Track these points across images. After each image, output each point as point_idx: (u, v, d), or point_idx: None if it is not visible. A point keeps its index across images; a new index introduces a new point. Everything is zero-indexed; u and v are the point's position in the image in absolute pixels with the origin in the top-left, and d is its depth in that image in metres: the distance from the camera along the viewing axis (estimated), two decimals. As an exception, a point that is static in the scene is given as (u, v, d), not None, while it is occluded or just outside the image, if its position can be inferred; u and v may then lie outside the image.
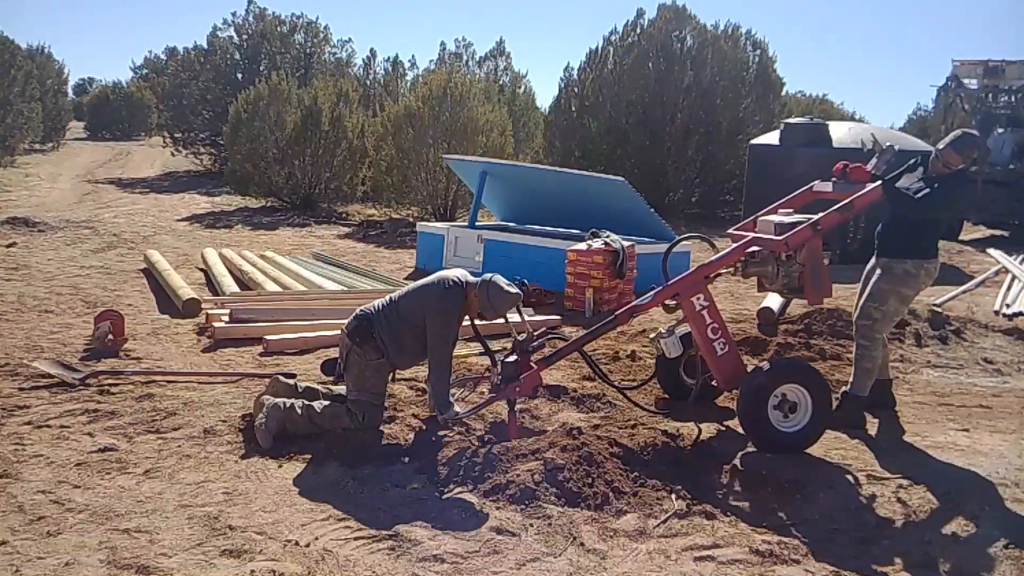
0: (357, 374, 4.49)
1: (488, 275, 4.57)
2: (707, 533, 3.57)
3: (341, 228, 13.97)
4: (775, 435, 4.40)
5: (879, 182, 4.78)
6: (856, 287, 5.17)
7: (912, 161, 5.07)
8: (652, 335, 4.90)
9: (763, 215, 4.94)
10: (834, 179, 5.03)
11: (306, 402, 4.46)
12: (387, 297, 4.65)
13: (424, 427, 4.56)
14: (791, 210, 4.99)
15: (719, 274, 4.89)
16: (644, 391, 5.29)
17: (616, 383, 5.24)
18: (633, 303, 4.75)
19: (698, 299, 4.62)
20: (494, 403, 4.59)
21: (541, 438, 4.20)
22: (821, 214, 4.63)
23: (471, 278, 4.57)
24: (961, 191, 4.89)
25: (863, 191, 4.73)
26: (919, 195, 4.78)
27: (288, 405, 4.41)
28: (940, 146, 4.87)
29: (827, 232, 4.63)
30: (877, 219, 5.07)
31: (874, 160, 5.00)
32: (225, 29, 23.54)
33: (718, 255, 4.82)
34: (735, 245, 4.80)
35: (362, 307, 4.65)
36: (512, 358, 4.46)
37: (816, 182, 5.19)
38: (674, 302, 4.69)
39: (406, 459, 4.17)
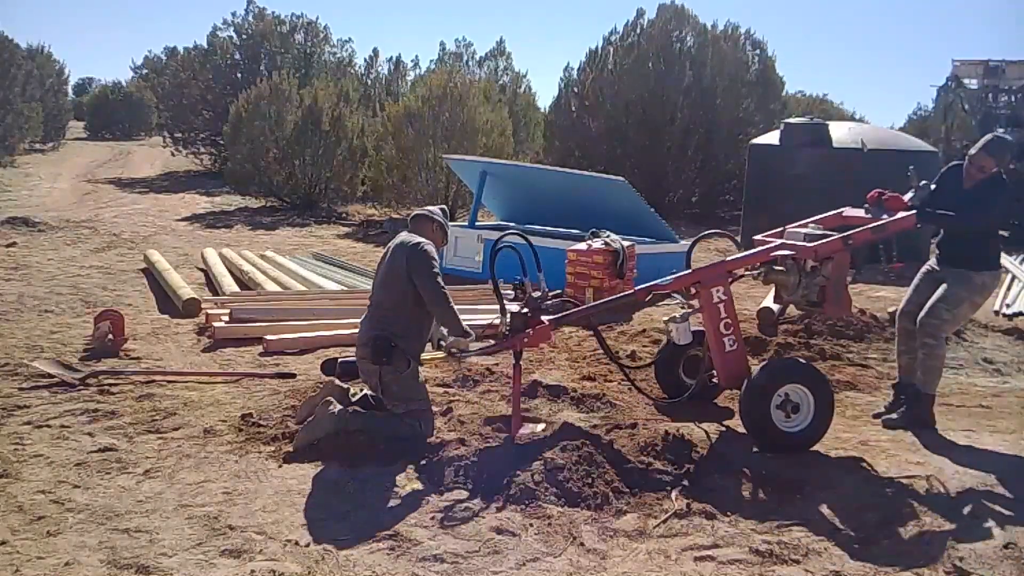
0: (399, 390, 4.45)
1: (416, 211, 4.78)
2: (707, 533, 3.57)
3: (341, 228, 13.97)
4: (777, 435, 4.40)
5: (914, 211, 4.80)
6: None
7: (924, 183, 5.00)
8: (666, 318, 4.89)
9: (792, 227, 4.93)
10: (866, 206, 5.00)
11: (359, 410, 4.41)
12: (367, 311, 4.62)
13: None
14: (821, 227, 4.97)
15: (740, 276, 4.93)
16: (645, 385, 5.30)
17: (621, 362, 5.35)
18: (653, 283, 4.73)
19: (717, 291, 4.61)
20: (501, 351, 4.63)
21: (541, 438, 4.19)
22: (854, 230, 4.65)
23: (418, 238, 4.58)
24: (1003, 194, 4.89)
25: (898, 217, 4.76)
26: (971, 211, 4.78)
27: (343, 413, 4.35)
28: (972, 152, 4.90)
29: (856, 248, 4.65)
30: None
31: (911, 193, 4.98)
32: (225, 29, 23.57)
33: (744, 253, 4.82)
34: (763, 247, 4.80)
35: (357, 335, 4.63)
36: (523, 310, 4.44)
37: (847, 208, 5.15)
38: (693, 289, 4.69)
39: (408, 460, 4.17)
